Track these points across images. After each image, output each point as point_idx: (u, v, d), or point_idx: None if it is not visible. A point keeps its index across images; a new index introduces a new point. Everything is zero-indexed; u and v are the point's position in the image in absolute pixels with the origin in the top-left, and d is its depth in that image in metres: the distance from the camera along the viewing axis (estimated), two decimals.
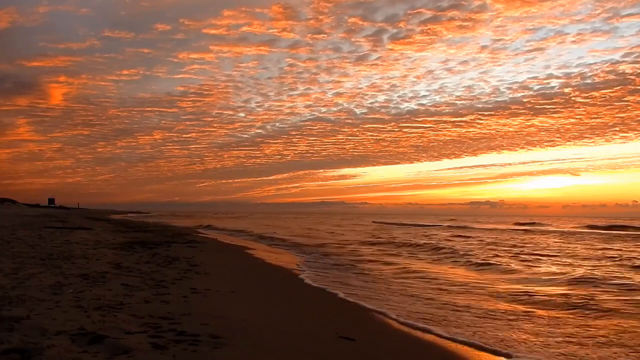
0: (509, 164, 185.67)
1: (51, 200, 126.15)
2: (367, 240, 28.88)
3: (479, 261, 17.38)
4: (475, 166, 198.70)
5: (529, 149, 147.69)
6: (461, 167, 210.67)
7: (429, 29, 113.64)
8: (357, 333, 6.61)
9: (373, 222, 72.28)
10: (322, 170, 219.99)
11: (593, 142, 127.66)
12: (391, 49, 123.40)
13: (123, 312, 6.26)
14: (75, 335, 4.95)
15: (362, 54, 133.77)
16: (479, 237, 34.15)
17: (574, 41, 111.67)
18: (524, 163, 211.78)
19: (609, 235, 37.88)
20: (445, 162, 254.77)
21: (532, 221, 73.49)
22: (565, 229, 48.99)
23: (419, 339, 6.81)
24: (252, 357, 4.96)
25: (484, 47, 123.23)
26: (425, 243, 25.98)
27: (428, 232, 41.90)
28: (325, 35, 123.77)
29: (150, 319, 5.97)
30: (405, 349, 6.29)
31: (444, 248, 22.77)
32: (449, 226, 54.26)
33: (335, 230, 42.43)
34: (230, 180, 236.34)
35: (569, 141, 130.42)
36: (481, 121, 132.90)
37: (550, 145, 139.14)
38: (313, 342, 6.00)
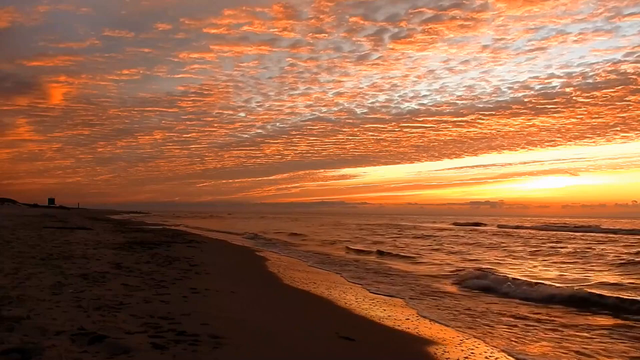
0: (510, 164, 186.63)
1: (51, 200, 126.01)
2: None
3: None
4: (476, 166, 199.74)
5: (530, 149, 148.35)
6: (462, 167, 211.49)
7: (430, 28, 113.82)
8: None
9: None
10: (322, 170, 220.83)
11: (594, 142, 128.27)
12: (392, 49, 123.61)
13: (123, 312, 6.25)
14: (75, 335, 4.95)
15: (363, 53, 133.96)
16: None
17: (575, 41, 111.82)
18: (524, 163, 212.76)
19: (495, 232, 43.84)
20: (446, 162, 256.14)
21: (476, 222, 74.95)
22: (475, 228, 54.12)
23: None
24: (252, 357, 4.96)
25: (485, 47, 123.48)
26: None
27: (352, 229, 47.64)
28: (326, 35, 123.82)
29: (150, 319, 5.96)
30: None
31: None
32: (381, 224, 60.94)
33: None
34: (230, 180, 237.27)
35: (570, 141, 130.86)
36: (482, 121, 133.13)
37: (551, 145, 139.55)
38: (313, 342, 6.01)
